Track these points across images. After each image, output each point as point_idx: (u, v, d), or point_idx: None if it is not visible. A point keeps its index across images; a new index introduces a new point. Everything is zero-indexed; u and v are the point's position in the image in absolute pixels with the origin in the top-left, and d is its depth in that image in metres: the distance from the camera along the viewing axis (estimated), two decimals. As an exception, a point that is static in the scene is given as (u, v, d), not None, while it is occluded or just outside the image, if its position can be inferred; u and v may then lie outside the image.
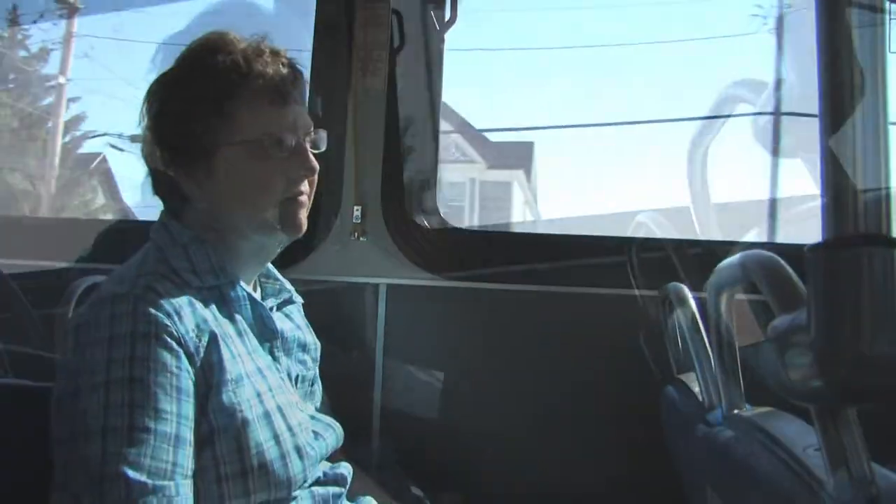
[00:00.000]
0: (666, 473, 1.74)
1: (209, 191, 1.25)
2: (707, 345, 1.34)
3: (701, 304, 1.41)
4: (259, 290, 1.33)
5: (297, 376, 1.31)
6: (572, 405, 1.98)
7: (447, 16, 2.18)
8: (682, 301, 1.49)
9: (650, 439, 1.81)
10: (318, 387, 1.38)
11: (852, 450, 0.82)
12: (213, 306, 1.17)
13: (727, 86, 1.10)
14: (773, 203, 2.04)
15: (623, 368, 1.92)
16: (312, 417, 1.31)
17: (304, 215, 1.31)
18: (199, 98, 1.22)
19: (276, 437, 1.17)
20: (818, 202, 0.86)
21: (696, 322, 1.41)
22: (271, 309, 1.30)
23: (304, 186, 1.30)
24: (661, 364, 1.77)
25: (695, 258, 1.56)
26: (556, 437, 1.99)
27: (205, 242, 1.22)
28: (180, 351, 1.09)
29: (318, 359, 1.39)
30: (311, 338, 1.39)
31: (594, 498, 1.96)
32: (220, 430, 1.14)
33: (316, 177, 1.31)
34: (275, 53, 1.28)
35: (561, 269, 2.04)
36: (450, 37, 2.22)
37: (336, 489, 1.29)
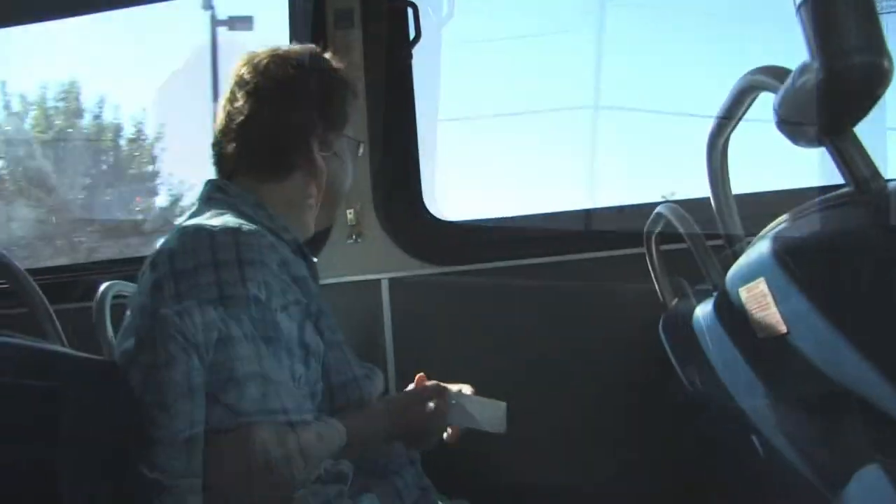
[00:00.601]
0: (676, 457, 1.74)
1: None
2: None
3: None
4: None
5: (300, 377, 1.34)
6: (580, 389, 2.00)
7: (445, 10, 2.19)
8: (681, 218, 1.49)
9: (666, 414, 1.85)
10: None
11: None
12: None
13: (747, 73, 1.05)
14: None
15: (636, 350, 1.94)
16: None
17: (309, 218, 1.41)
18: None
19: (349, 362, 1.32)
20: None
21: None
22: None
23: (312, 189, 1.35)
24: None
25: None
26: (571, 428, 2.00)
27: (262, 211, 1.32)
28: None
29: None
30: None
31: (614, 496, 1.96)
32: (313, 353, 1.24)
33: (324, 180, 1.33)
34: (283, 57, 1.36)
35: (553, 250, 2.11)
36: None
37: (337, 487, 1.29)
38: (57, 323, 1.46)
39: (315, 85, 1.35)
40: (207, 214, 1.26)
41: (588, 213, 2.29)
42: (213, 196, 1.33)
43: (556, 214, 2.29)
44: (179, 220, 1.30)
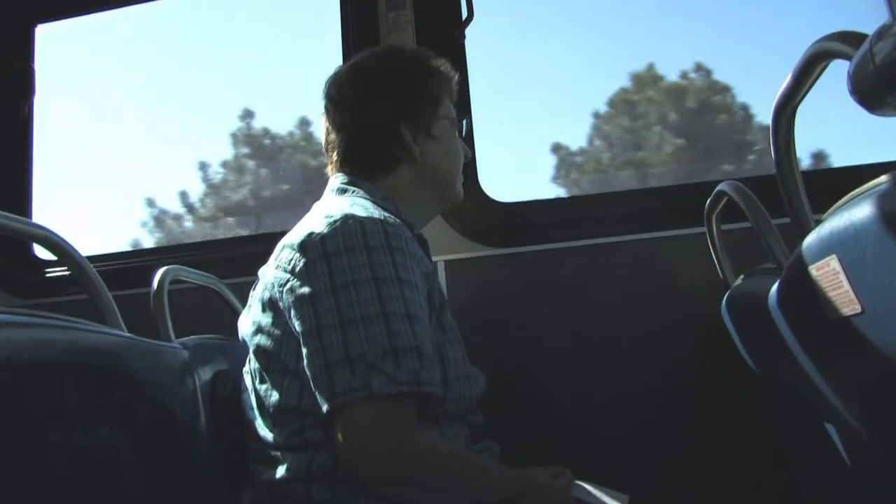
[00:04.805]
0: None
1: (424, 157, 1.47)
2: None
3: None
4: None
5: None
6: (638, 370, 1.98)
7: (464, 14, 2.17)
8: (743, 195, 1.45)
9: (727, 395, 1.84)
10: None
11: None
12: None
13: (818, 40, 1.00)
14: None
15: (695, 330, 1.93)
16: None
17: (425, 211, 1.54)
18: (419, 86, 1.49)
19: (464, 359, 1.37)
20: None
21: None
22: None
23: (421, 179, 1.49)
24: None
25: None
26: (631, 408, 1.98)
27: (391, 206, 1.41)
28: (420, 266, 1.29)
29: None
30: None
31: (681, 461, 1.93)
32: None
33: (428, 166, 1.50)
34: (359, 67, 1.50)
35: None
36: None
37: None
38: (117, 309, 1.47)
39: (392, 81, 1.46)
40: (347, 201, 1.34)
41: (646, 193, 2.24)
42: (345, 188, 1.43)
43: (612, 194, 2.24)
44: (316, 209, 1.38)
